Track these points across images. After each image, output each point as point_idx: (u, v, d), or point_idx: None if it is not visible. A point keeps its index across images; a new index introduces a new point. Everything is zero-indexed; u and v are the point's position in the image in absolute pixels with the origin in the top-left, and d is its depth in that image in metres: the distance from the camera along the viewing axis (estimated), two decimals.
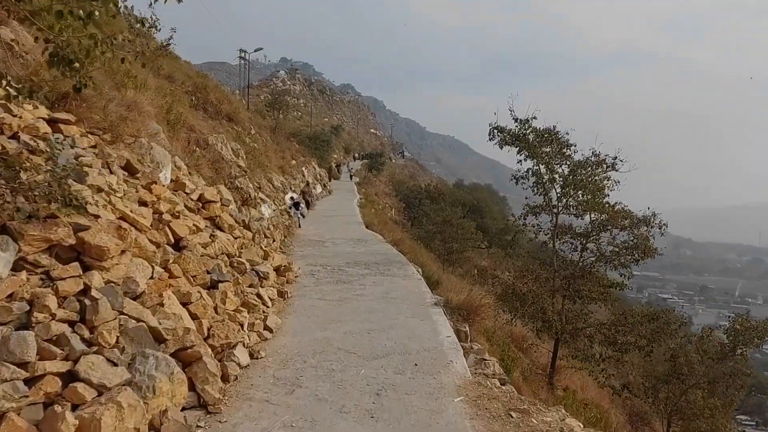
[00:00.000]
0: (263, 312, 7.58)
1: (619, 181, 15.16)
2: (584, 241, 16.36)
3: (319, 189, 39.87)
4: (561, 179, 15.36)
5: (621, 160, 14.58)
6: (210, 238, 7.96)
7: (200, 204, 8.73)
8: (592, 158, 15.05)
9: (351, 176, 55.25)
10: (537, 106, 15.85)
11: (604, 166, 14.94)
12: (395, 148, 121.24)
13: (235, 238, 8.96)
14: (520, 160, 16.31)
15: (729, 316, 16.78)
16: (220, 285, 7.01)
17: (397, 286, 11.04)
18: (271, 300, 8.32)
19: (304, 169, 39.04)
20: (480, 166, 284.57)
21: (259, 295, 7.94)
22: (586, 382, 18.17)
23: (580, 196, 15.49)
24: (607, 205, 15.64)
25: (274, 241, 13.03)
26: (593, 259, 16.18)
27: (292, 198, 27.46)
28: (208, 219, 8.62)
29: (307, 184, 34.38)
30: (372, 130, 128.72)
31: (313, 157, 46.42)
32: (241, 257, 8.64)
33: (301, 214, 26.25)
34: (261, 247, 10.51)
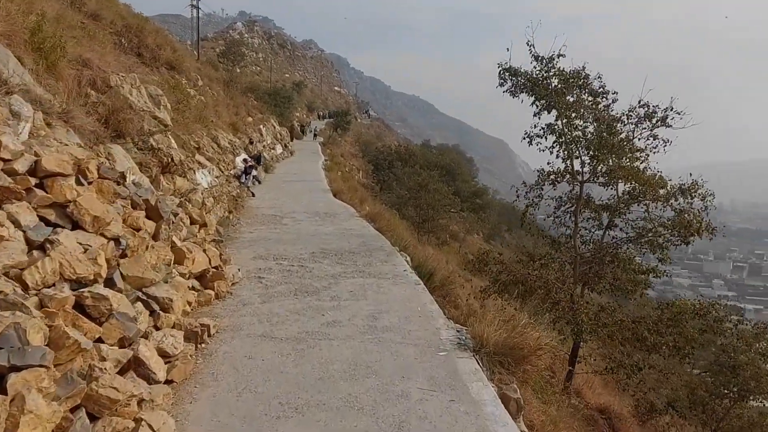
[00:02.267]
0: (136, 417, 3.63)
1: (669, 141, 11.54)
2: (612, 217, 12.86)
3: (279, 149, 35.70)
4: (594, 138, 11.65)
5: (678, 113, 10.90)
6: (28, 254, 4.02)
7: (37, 179, 4.69)
8: (639, 110, 11.35)
9: (315, 136, 50.88)
10: (561, 39, 12.01)
11: (653, 120, 11.27)
12: (361, 107, 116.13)
13: (110, 240, 4.97)
14: (537, 113, 12.53)
15: None
16: (11, 377, 3.08)
17: (388, 298, 7.26)
18: (168, 361, 4.45)
19: (261, 127, 34.62)
20: (446, 127, 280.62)
21: (136, 362, 4.03)
22: (603, 384, 15.00)
23: (615, 160, 11.86)
24: (639, 172, 12.12)
25: (204, 226, 9.04)
26: (624, 238, 12.72)
27: (245, 161, 23.32)
28: (49, 207, 4.61)
29: (254, 144, 30.01)
30: (336, 88, 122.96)
31: (272, 114, 41.99)
32: (109, 279, 4.68)
33: (256, 180, 22.12)
34: (172, 244, 6.54)
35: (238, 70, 55.31)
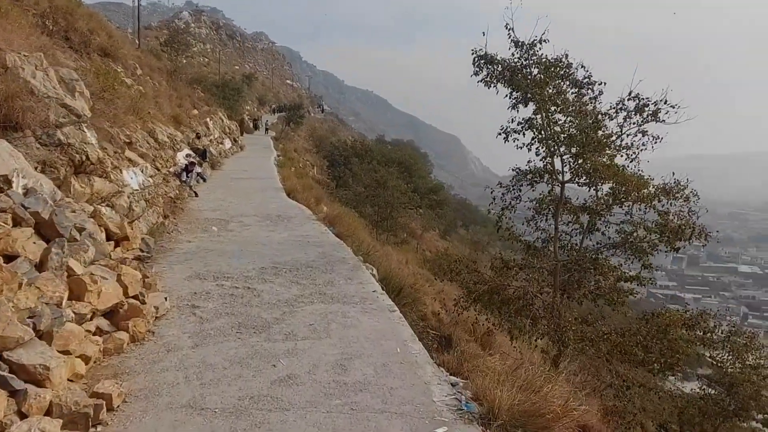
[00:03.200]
0: None
1: (659, 138, 10.41)
2: (593, 220, 11.74)
3: (228, 144, 33.57)
4: (578, 134, 10.43)
5: (672, 106, 9.77)
6: None
7: None
8: (629, 103, 10.18)
9: (267, 130, 48.71)
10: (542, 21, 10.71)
11: (644, 114, 10.12)
12: (314, 101, 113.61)
13: None
14: (513, 105, 11.25)
15: None
16: None
17: (358, 334, 5.73)
18: None
19: (208, 120, 32.38)
20: (399, 122, 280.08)
21: None
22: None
23: (599, 158, 10.68)
24: (622, 171, 11.04)
25: (125, 240, 7.31)
26: (607, 243, 11.62)
27: (188, 156, 21.34)
28: None
29: (201, 138, 28.00)
30: (288, 81, 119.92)
31: (221, 107, 39.76)
32: None
33: (201, 178, 20.17)
34: (69, 272, 4.85)
35: (184, 61, 52.48)
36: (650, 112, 9.97)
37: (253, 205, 15.46)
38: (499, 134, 11.30)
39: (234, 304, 6.56)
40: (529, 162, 11.03)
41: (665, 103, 9.72)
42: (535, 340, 10.49)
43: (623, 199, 11.18)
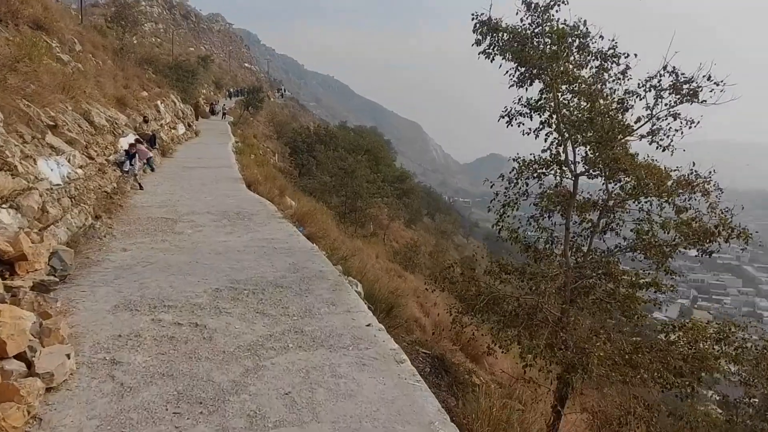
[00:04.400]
0: None
1: (693, 122, 8.74)
2: (608, 218, 10.11)
3: (181, 129, 31.00)
4: (600, 118, 8.70)
5: (717, 83, 8.09)
6: None
7: None
8: (663, 78, 8.47)
9: (224, 115, 45.92)
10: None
11: (681, 93, 8.43)
12: (273, 85, 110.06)
13: None
14: (516, 83, 9.45)
15: None
16: None
17: (360, 411, 3.77)
18: None
19: (159, 103, 29.73)
20: (361, 109, 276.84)
21: None
22: None
23: (625, 147, 9.01)
24: (645, 161, 9.45)
25: (20, 260, 5.22)
26: (625, 245, 10.02)
27: (133, 145, 19.02)
28: None
29: (149, 123, 25.49)
30: (246, 65, 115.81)
31: (174, 89, 36.99)
32: None
33: (150, 167, 17.88)
34: None
35: (135, 41, 49.05)
36: (689, 91, 8.31)
37: (207, 199, 13.31)
38: (502, 117, 9.51)
39: (174, 356, 4.56)
40: (543, 151, 9.25)
41: (708, 79, 8.10)
42: (549, 365, 8.81)
43: (640, 194, 9.56)
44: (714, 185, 9.63)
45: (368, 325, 5.47)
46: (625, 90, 8.71)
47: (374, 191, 28.49)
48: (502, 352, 9.77)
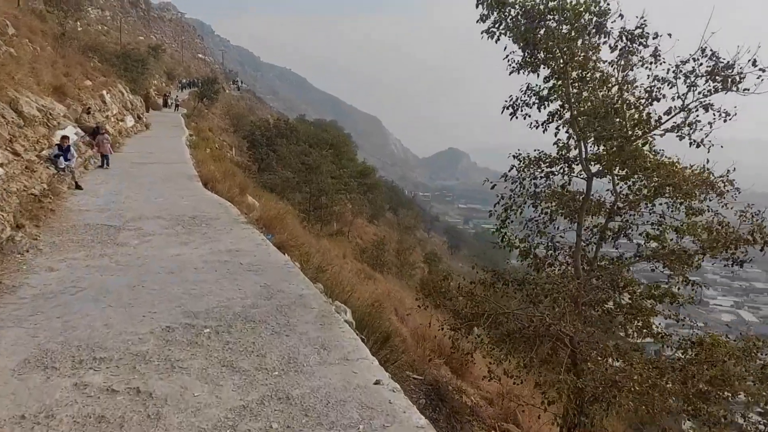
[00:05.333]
0: None
1: (728, 115, 7.58)
2: (620, 221, 8.97)
3: (130, 122, 28.79)
4: (627, 110, 7.49)
5: (763, 70, 6.94)
6: None
7: None
8: (701, 63, 7.28)
9: (177, 107, 43.41)
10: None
11: (717, 80, 7.27)
12: (228, 77, 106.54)
13: None
14: (521, 67, 8.17)
15: None
16: None
17: None
18: None
19: (105, 93, 27.46)
20: (320, 102, 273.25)
21: None
22: None
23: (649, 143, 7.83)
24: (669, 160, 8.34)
25: None
26: (646, 253, 8.89)
27: (97, 132, 17.22)
28: None
29: (92, 114, 23.46)
30: (200, 56, 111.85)
31: (122, 79, 34.56)
32: None
33: (106, 162, 16.09)
34: None
35: (80, 28, 46.03)
36: (729, 78, 7.15)
37: (158, 201, 11.59)
38: (506, 109, 8.23)
39: None
40: (559, 145, 7.99)
41: (754, 64, 6.96)
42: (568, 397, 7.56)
43: (657, 195, 8.46)
44: (729, 184, 8.60)
45: (377, 383, 4.04)
46: (654, 76, 7.50)
47: (340, 187, 26.93)
48: (512, 379, 8.48)
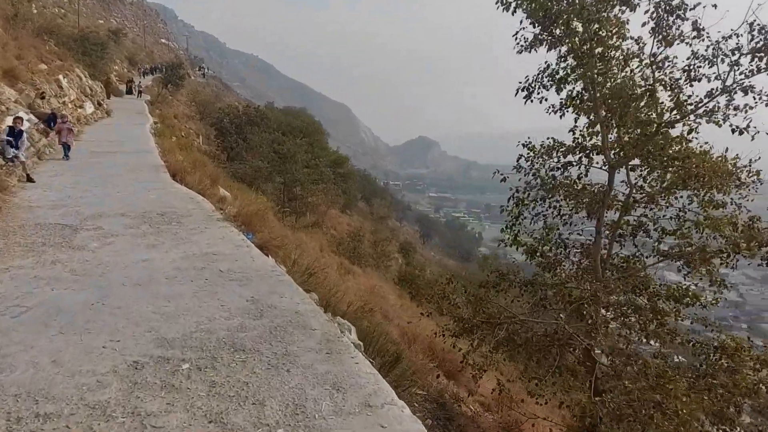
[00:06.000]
0: None
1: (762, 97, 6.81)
2: (646, 215, 8.19)
3: (89, 108, 27.12)
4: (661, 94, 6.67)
5: None
6: None
7: None
8: (741, 39, 6.49)
9: (140, 93, 41.44)
10: None
11: (764, 60, 6.48)
12: (194, 63, 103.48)
13: None
14: (537, 44, 7.27)
15: None
16: None
17: None
18: None
19: (61, 77, 25.73)
20: (288, 89, 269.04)
21: None
22: None
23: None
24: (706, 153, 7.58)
25: None
26: (670, 251, 8.13)
27: (56, 117, 15.79)
28: None
29: (47, 99, 21.84)
30: (163, 41, 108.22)
31: (80, 63, 32.65)
32: None
33: (67, 150, 14.73)
34: None
35: (35, 10, 43.47)
36: None
37: (121, 195, 10.38)
38: (520, 90, 7.33)
39: None
40: (580, 140, 7.10)
41: None
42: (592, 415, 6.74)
43: (681, 187, 7.70)
44: (755, 175, 7.88)
45: None
46: (694, 53, 6.67)
47: (315, 177, 25.78)
48: (535, 400, 7.63)
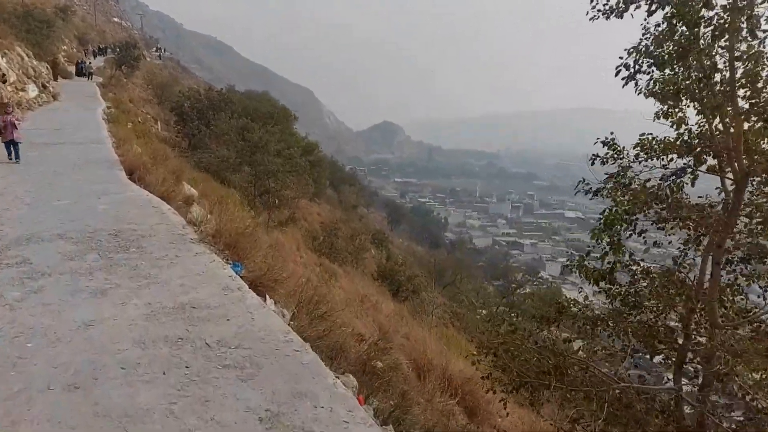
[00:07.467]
0: None
1: None
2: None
3: (33, 92, 24.19)
4: None
5: None
6: None
7: None
8: None
9: (90, 75, 38.05)
10: None
11: None
12: (149, 43, 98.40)
13: None
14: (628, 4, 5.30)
15: None
16: None
17: None
18: None
19: (0, 56, 22.79)
20: (248, 72, 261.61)
21: None
22: None
23: None
24: None
25: None
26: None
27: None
28: None
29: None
30: (116, 19, 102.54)
31: (22, 42, 29.39)
32: None
33: (14, 156, 12.10)
34: None
35: None
36: None
37: (62, 204, 8.02)
38: (621, 69, 5.37)
39: None
40: (691, 137, 5.15)
41: None
42: None
43: None
44: None
45: None
46: None
47: (290, 168, 23.44)
48: None
